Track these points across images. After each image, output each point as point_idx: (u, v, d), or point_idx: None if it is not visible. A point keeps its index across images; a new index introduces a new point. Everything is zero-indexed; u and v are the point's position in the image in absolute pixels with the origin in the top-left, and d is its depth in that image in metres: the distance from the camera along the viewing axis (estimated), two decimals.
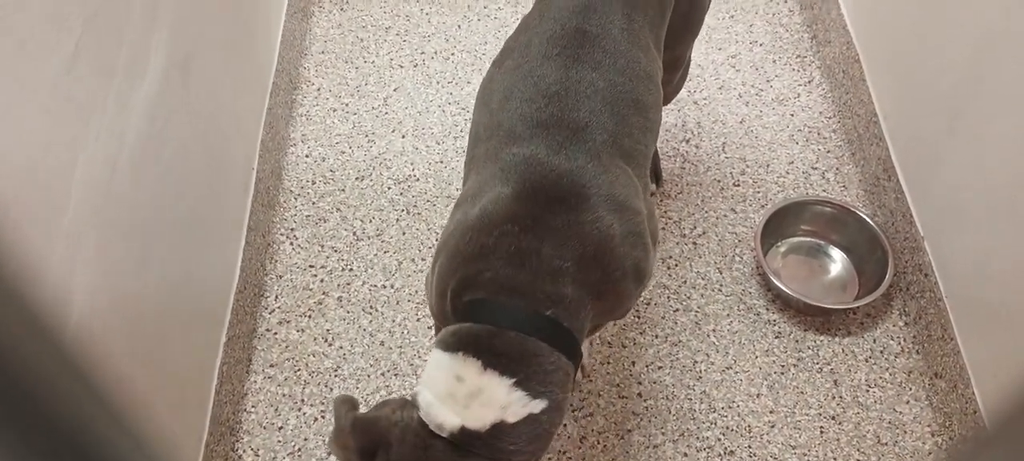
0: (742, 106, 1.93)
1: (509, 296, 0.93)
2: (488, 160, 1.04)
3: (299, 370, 1.54)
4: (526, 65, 1.08)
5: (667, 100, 1.62)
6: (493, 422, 0.89)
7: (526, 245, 0.94)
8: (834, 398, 1.49)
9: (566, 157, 0.99)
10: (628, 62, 1.09)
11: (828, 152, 1.85)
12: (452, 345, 0.93)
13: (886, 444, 1.44)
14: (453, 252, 0.99)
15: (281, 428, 1.47)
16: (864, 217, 1.65)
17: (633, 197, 1.03)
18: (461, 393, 0.90)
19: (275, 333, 1.58)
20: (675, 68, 1.45)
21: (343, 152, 1.86)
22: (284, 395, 1.51)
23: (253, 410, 1.49)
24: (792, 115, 1.91)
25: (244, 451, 1.44)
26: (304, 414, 1.48)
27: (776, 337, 1.57)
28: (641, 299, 1.60)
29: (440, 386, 0.92)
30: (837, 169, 1.81)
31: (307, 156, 1.86)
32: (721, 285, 1.64)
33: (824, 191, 1.77)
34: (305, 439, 1.45)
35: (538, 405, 0.92)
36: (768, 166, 1.82)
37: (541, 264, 0.94)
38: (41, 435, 0.18)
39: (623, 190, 1.02)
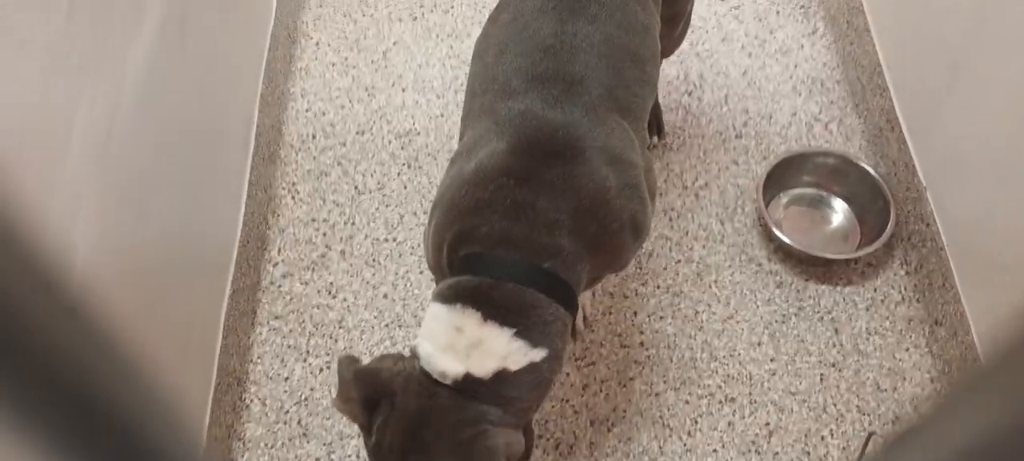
0: (745, 57, 1.91)
1: (506, 249, 0.94)
2: (484, 114, 1.04)
3: (303, 322, 1.55)
4: (522, 19, 1.08)
5: (668, 53, 1.61)
6: (495, 370, 0.91)
7: (522, 198, 0.94)
8: (834, 346, 1.51)
9: (561, 110, 0.99)
10: (625, 15, 1.08)
11: (831, 103, 1.83)
12: (450, 297, 0.94)
13: (885, 391, 1.46)
14: (449, 206, 0.99)
15: (287, 378, 1.49)
16: (866, 168, 1.64)
17: (629, 150, 1.03)
18: (461, 344, 0.91)
19: (279, 286, 1.60)
20: (675, 22, 1.44)
21: (343, 106, 1.85)
22: (289, 346, 1.52)
23: (259, 361, 1.51)
24: (795, 66, 1.90)
25: (252, 400, 1.46)
26: (309, 365, 1.50)
27: (777, 287, 1.58)
28: (643, 250, 1.61)
29: (440, 337, 0.93)
30: (840, 120, 1.80)
31: (307, 110, 1.85)
32: (723, 236, 1.64)
33: (827, 142, 1.77)
34: (311, 389, 1.47)
35: (538, 354, 0.93)
36: (771, 117, 1.81)
37: (537, 217, 0.94)
38: (47, 388, 0.19)
39: (619, 143, 1.01)
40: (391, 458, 0.90)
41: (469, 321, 0.92)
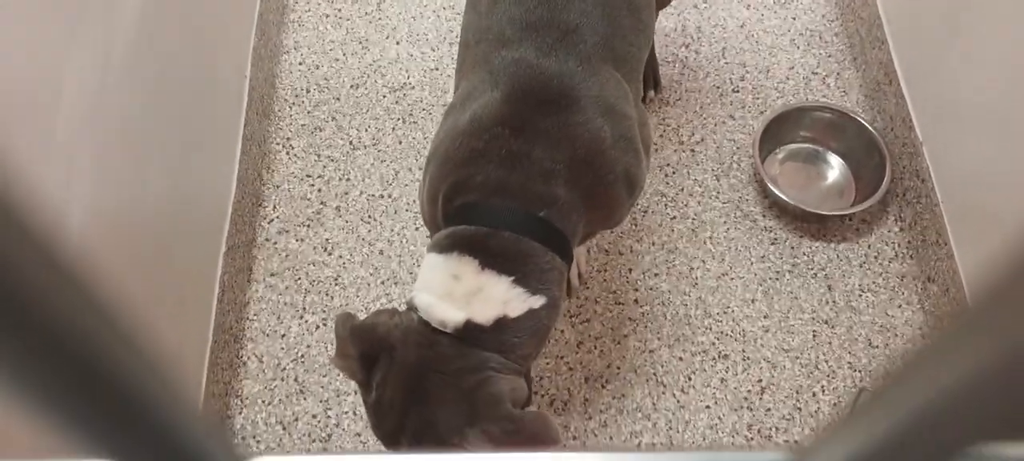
0: (743, 9, 1.89)
1: (501, 198, 0.93)
2: (478, 64, 1.03)
3: (299, 279, 1.55)
4: None
5: (665, 3, 1.58)
6: (496, 317, 0.91)
7: (517, 148, 0.94)
8: (827, 303, 1.52)
9: (556, 59, 0.98)
10: None
11: (829, 57, 1.82)
12: (446, 247, 0.94)
13: (877, 347, 1.47)
14: (444, 158, 0.99)
15: (284, 335, 1.49)
16: (863, 122, 1.64)
17: (623, 102, 1.02)
18: (459, 292, 0.91)
19: (274, 243, 1.59)
20: None
21: (337, 60, 1.83)
22: (285, 303, 1.52)
23: (255, 318, 1.51)
24: (794, 18, 1.88)
25: (248, 357, 1.47)
26: (306, 322, 1.50)
27: (772, 244, 1.58)
28: (637, 207, 1.60)
29: (437, 287, 0.92)
30: (838, 74, 1.79)
31: (300, 64, 1.83)
32: (718, 192, 1.64)
33: (824, 97, 1.76)
34: (308, 346, 1.48)
35: (537, 301, 0.93)
36: (768, 71, 1.79)
37: (532, 166, 0.94)
38: (44, 351, 0.18)
39: (613, 94, 1.01)
40: (391, 413, 0.90)
41: (467, 269, 0.92)
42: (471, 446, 0.86)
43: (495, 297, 0.91)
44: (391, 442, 0.91)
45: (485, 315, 0.90)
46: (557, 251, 0.95)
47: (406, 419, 0.89)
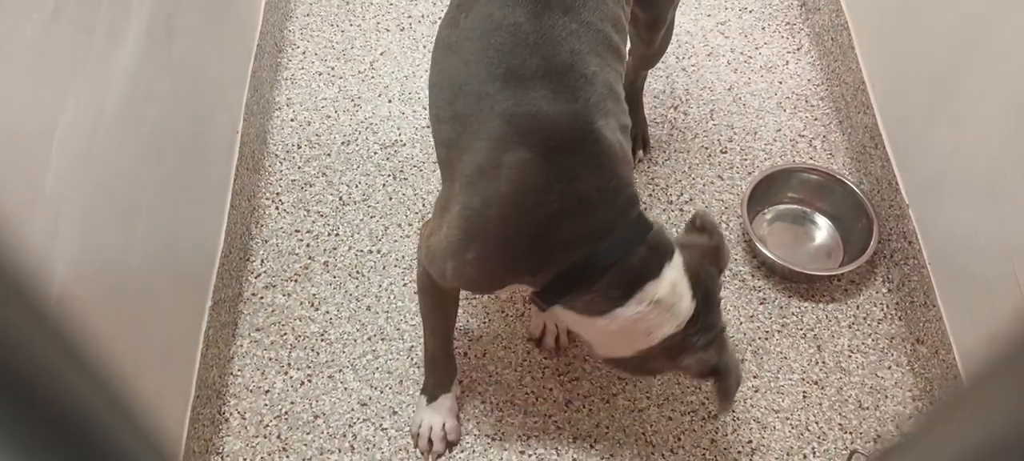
0: (730, 73, 1.92)
1: (602, 238, 1.03)
2: (485, 119, 1.03)
3: (285, 334, 1.54)
4: (496, 14, 1.06)
5: (652, 62, 1.61)
6: (692, 296, 1.07)
7: (581, 191, 1.01)
8: (817, 363, 1.51)
9: (566, 100, 1.02)
10: (597, 4, 1.10)
11: (815, 120, 1.85)
12: (618, 298, 1.04)
13: (867, 409, 1.46)
14: (507, 235, 1.03)
15: (268, 391, 1.47)
16: (850, 185, 1.65)
17: (624, 117, 1.11)
18: (667, 306, 1.05)
19: (261, 297, 1.58)
20: (656, 27, 1.45)
21: (329, 116, 1.84)
22: (270, 359, 1.51)
23: (239, 373, 1.49)
24: (780, 82, 1.91)
25: (231, 413, 1.45)
26: (290, 377, 1.48)
27: (761, 303, 1.58)
28: None
29: (654, 322, 1.05)
30: (824, 137, 1.82)
31: (292, 120, 1.84)
32: None
33: (811, 159, 1.78)
34: (292, 403, 1.46)
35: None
36: (756, 133, 1.82)
37: (602, 196, 1.02)
38: (23, 404, 0.18)
39: (617, 111, 1.08)
40: None
41: (653, 293, 1.04)
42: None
43: (682, 291, 1.06)
44: None
45: (689, 307, 1.07)
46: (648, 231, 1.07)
47: None
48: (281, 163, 1.77)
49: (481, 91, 1.05)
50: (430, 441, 1.38)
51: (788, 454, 1.42)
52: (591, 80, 1.04)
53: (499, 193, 1.02)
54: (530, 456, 1.41)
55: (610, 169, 1.03)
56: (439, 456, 1.39)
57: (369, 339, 1.53)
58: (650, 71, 1.71)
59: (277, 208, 1.70)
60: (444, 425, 1.38)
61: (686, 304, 1.06)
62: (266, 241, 1.66)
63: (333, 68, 1.93)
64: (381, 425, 1.44)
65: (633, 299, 1.04)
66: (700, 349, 1.10)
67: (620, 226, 1.03)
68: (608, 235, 1.03)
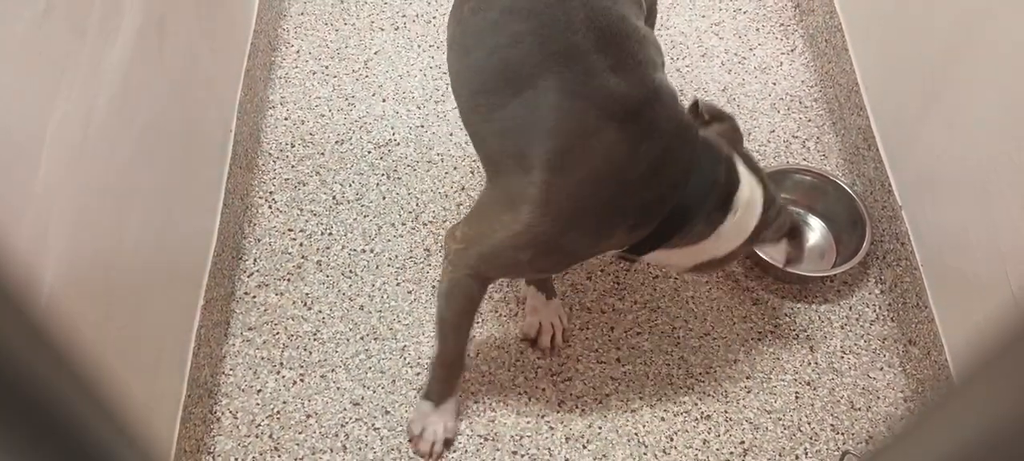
0: (724, 74, 1.93)
1: (689, 176, 1.07)
2: (553, 101, 1.03)
3: (278, 333, 1.53)
4: (520, 4, 1.07)
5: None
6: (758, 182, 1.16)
7: (663, 144, 1.05)
8: (809, 364, 1.51)
9: (629, 66, 1.05)
10: None
11: (809, 121, 1.85)
12: (718, 219, 1.11)
13: (859, 409, 1.47)
14: (606, 208, 1.06)
15: (260, 391, 1.47)
16: (843, 186, 1.66)
17: (661, 56, 1.16)
18: (752, 202, 1.14)
19: (253, 296, 1.58)
20: (651, 18, 1.45)
21: (323, 115, 1.84)
22: (263, 358, 1.50)
23: (231, 373, 1.49)
24: (774, 84, 1.91)
25: (223, 413, 1.44)
26: (283, 377, 1.48)
27: (754, 304, 1.58)
28: (620, 266, 1.61)
29: (746, 221, 1.13)
30: (818, 138, 1.82)
31: (286, 119, 1.84)
32: None
33: (804, 160, 1.78)
34: (284, 402, 1.45)
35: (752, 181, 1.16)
36: (749, 134, 1.82)
37: (679, 140, 1.07)
38: (8, 406, 0.18)
39: (658, 57, 1.13)
40: None
41: (741, 201, 1.12)
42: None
43: (752, 180, 1.14)
44: None
45: (759, 188, 1.16)
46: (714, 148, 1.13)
47: None
48: (274, 162, 1.77)
49: (537, 72, 1.04)
50: (433, 444, 1.38)
51: (780, 454, 1.42)
52: (639, 38, 1.08)
53: (592, 169, 1.03)
54: (523, 456, 1.41)
55: (676, 112, 1.08)
56: (439, 458, 1.39)
57: (362, 338, 1.53)
58: None
59: (270, 207, 1.70)
60: (445, 426, 1.38)
61: (759, 191, 1.14)
62: (259, 240, 1.65)
63: (327, 67, 1.93)
64: (374, 425, 1.43)
65: (730, 213, 1.11)
66: (774, 220, 1.18)
67: (697, 158, 1.08)
68: (692, 171, 1.07)
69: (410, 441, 1.40)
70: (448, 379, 1.37)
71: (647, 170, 1.05)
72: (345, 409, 1.45)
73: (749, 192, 1.13)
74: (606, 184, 1.04)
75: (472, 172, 1.75)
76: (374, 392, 1.47)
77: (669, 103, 1.08)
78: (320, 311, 1.56)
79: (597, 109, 1.03)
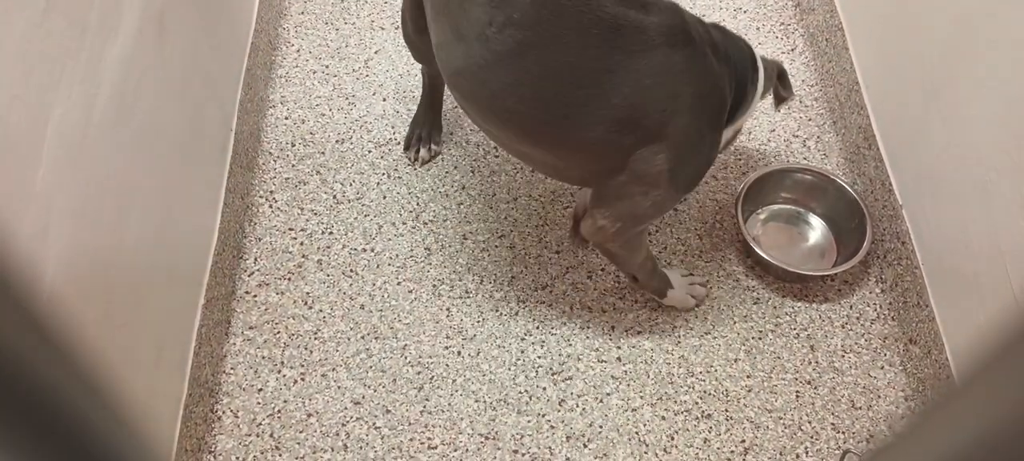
0: None
1: (733, 64, 1.29)
2: (622, 74, 1.15)
3: (278, 332, 1.53)
4: (527, 18, 1.12)
5: None
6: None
7: (716, 51, 1.24)
8: (810, 363, 1.51)
9: (658, 7, 1.18)
10: None
11: (810, 120, 1.85)
12: (756, 81, 1.36)
13: (860, 408, 1.46)
14: (708, 126, 1.25)
15: (260, 390, 1.47)
16: (844, 185, 1.66)
17: None
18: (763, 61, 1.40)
19: (254, 295, 1.58)
20: None
21: (323, 114, 1.84)
22: (263, 357, 1.50)
23: (232, 372, 1.49)
24: None
25: (223, 412, 1.44)
26: (283, 376, 1.48)
27: (754, 303, 1.58)
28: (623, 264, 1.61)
29: (764, 73, 1.38)
30: (818, 137, 1.82)
31: (286, 118, 1.84)
32: (701, 251, 1.64)
33: (805, 159, 1.78)
34: (285, 401, 1.45)
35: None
36: (750, 133, 1.82)
37: (723, 44, 1.27)
38: (9, 404, 0.18)
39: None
40: None
41: (761, 63, 1.38)
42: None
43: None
44: None
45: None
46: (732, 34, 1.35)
47: None
48: (275, 161, 1.77)
49: (599, 57, 1.13)
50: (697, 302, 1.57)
51: (781, 453, 1.42)
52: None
53: (694, 96, 1.19)
54: (523, 456, 1.40)
55: (703, 22, 1.26)
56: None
57: (362, 338, 1.53)
58: None
59: (271, 206, 1.70)
60: (694, 283, 1.57)
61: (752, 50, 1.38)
62: (259, 239, 1.65)
63: (327, 66, 1.93)
64: (374, 424, 1.43)
65: (760, 73, 1.37)
66: (768, 66, 1.41)
67: (729, 48, 1.29)
68: (732, 60, 1.29)
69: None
70: (658, 274, 1.52)
71: (719, 73, 1.24)
72: (346, 408, 1.45)
73: (759, 55, 1.39)
74: (701, 104, 1.21)
75: (472, 171, 1.75)
76: (375, 391, 1.47)
77: (689, 14, 1.24)
78: (321, 310, 1.56)
79: (665, 48, 1.15)
